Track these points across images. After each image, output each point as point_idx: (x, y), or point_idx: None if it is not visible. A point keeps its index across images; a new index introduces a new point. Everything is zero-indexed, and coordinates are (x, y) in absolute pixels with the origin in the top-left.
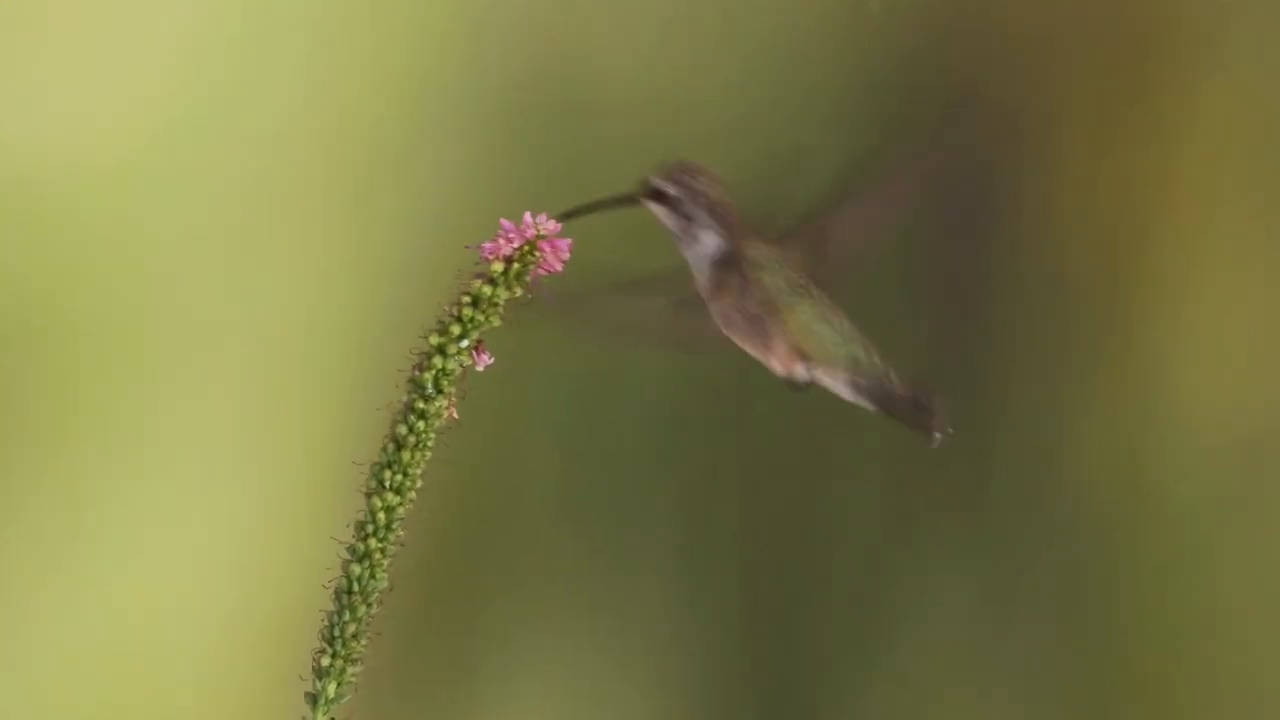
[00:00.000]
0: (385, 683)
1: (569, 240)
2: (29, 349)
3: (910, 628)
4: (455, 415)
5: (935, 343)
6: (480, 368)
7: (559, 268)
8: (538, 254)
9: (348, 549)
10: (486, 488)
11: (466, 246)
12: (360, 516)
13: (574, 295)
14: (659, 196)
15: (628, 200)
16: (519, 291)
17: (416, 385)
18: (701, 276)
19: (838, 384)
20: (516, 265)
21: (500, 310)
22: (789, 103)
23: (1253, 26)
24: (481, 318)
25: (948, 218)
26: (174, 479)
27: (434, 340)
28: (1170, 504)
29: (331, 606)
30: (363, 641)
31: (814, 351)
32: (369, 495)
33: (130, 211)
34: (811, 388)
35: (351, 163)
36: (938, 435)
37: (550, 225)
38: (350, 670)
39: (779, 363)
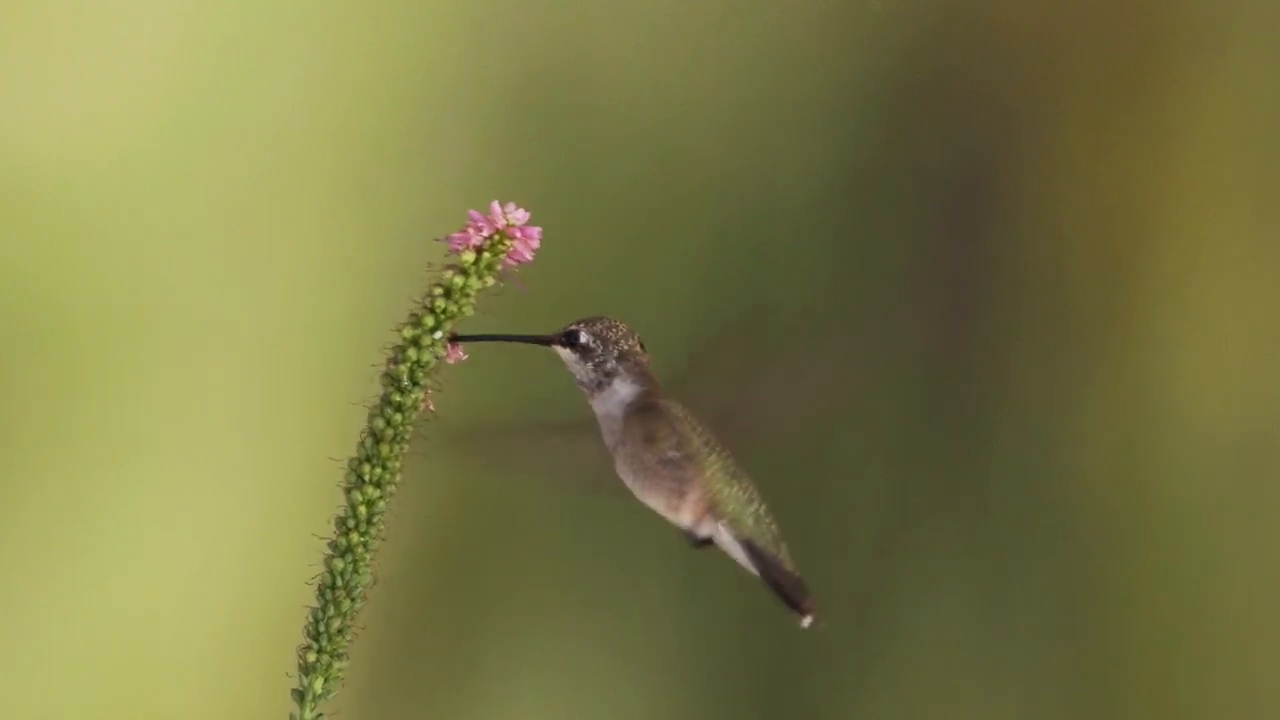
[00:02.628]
0: (385, 683)
1: (539, 229)
2: (29, 349)
3: (910, 627)
4: (432, 408)
5: (935, 342)
6: (452, 360)
7: (529, 256)
8: (508, 243)
9: (330, 544)
10: (487, 487)
11: (436, 238)
12: (342, 512)
13: (482, 432)
14: (573, 344)
15: (540, 341)
16: (490, 281)
17: (392, 379)
18: (611, 423)
19: (736, 543)
20: (487, 255)
21: (473, 300)
22: (789, 103)
23: (1253, 26)
24: (454, 308)
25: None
26: (174, 478)
27: (407, 333)
28: (1170, 503)
29: (316, 603)
30: (348, 636)
31: (724, 507)
32: (348, 490)
33: (130, 211)
34: (707, 546)
35: (351, 162)
36: (809, 620)
37: (519, 214)
38: (337, 665)
39: (688, 512)
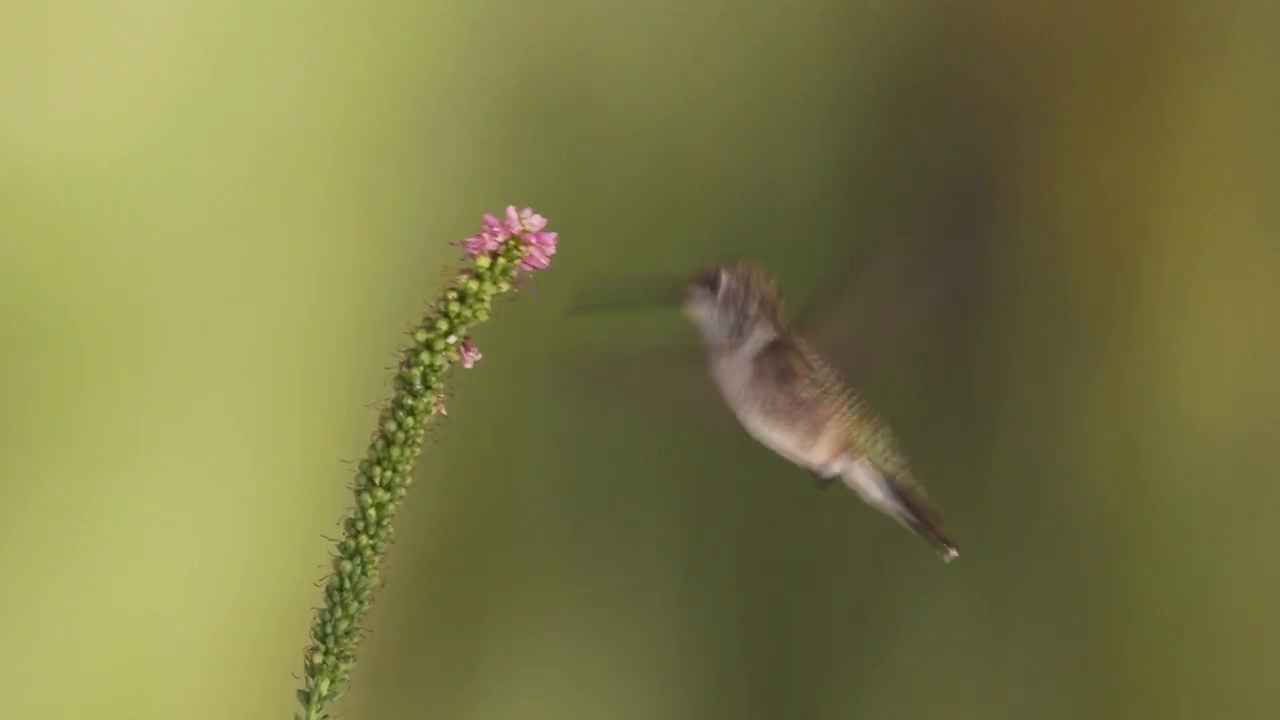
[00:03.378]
0: (386, 682)
1: (555, 235)
2: (29, 349)
3: (910, 627)
4: (444, 412)
5: (935, 343)
6: (468, 364)
7: (545, 262)
8: (523, 248)
9: (339, 546)
10: (487, 488)
11: (451, 243)
12: (351, 514)
13: (609, 357)
14: (714, 286)
15: (676, 294)
16: (505, 287)
17: (405, 382)
18: (739, 371)
19: (873, 482)
20: (502, 260)
21: (487, 305)
22: (788, 102)
23: (1253, 26)
24: (468, 313)
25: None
26: (174, 478)
27: (421, 337)
28: (1170, 503)
29: (324, 604)
30: (355, 639)
31: (859, 442)
32: (359, 492)
33: (130, 211)
34: (834, 485)
35: (352, 162)
36: (953, 550)
37: (536, 220)
38: (343, 667)
39: (824, 449)
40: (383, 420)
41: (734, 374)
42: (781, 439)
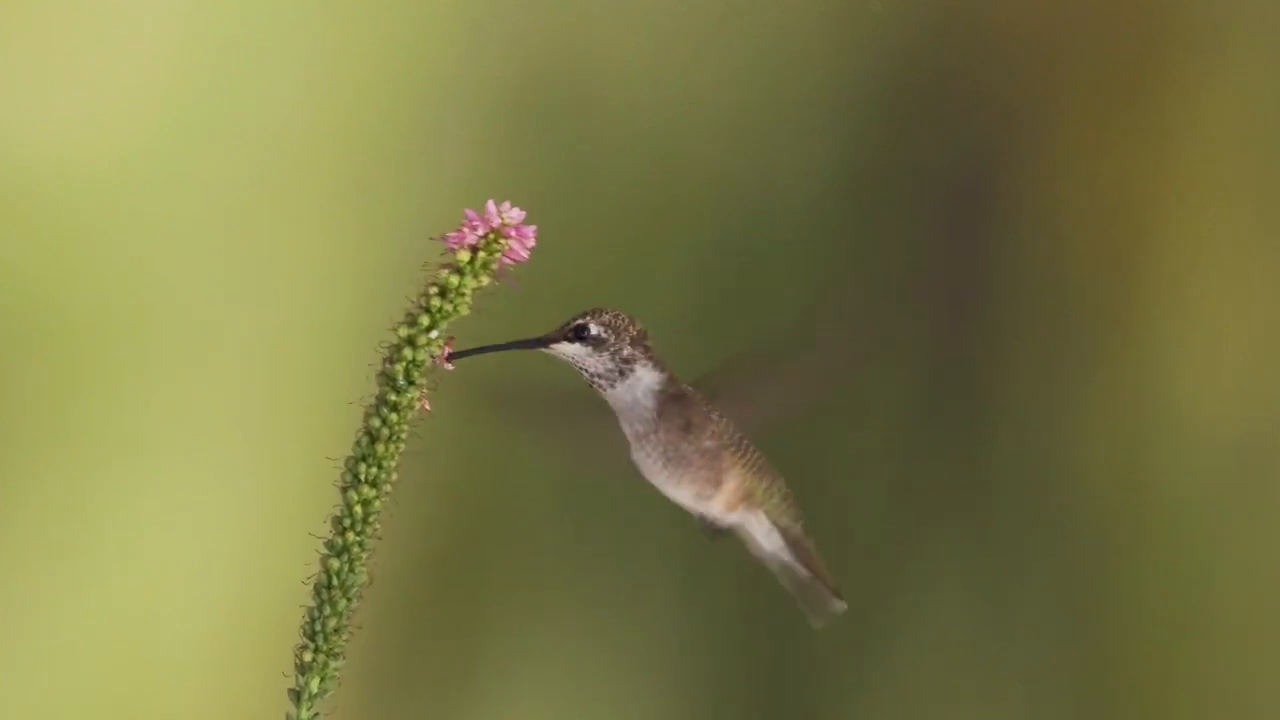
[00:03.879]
0: (385, 682)
1: (534, 228)
2: (29, 349)
3: (910, 627)
4: (428, 407)
5: (936, 343)
6: (450, 367)
7: (525, 255)
8: (503, 242)
9: (326, 544)
10: (487, 487)
11: (431, 238)
12: (338, 511)
13: (511, 393)
14: (583, 337)
15: (539, 344)
16: (486, 280)
17: (388, 378)
18: (640, 411)
19: (770, 533)
20: (482, 254)
21: (468, 299)
22: (789, 103)
23: (1253, 26)
24: (449, 308)
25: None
26: (174, 478)
27: (403, 332)
28: (1170, 503)
29: (312, 602)
30: (344, 636)
31: (757, 495)
32: (345, 489)
33: (130, 211)
34: (726, 536)
35: (351, 162)
36: (841, 603)
37: (515, 213)
38: (333, 665)
39: (722, 501)
40: (367, 416)
41: (630, 417)
42: (680, 488)
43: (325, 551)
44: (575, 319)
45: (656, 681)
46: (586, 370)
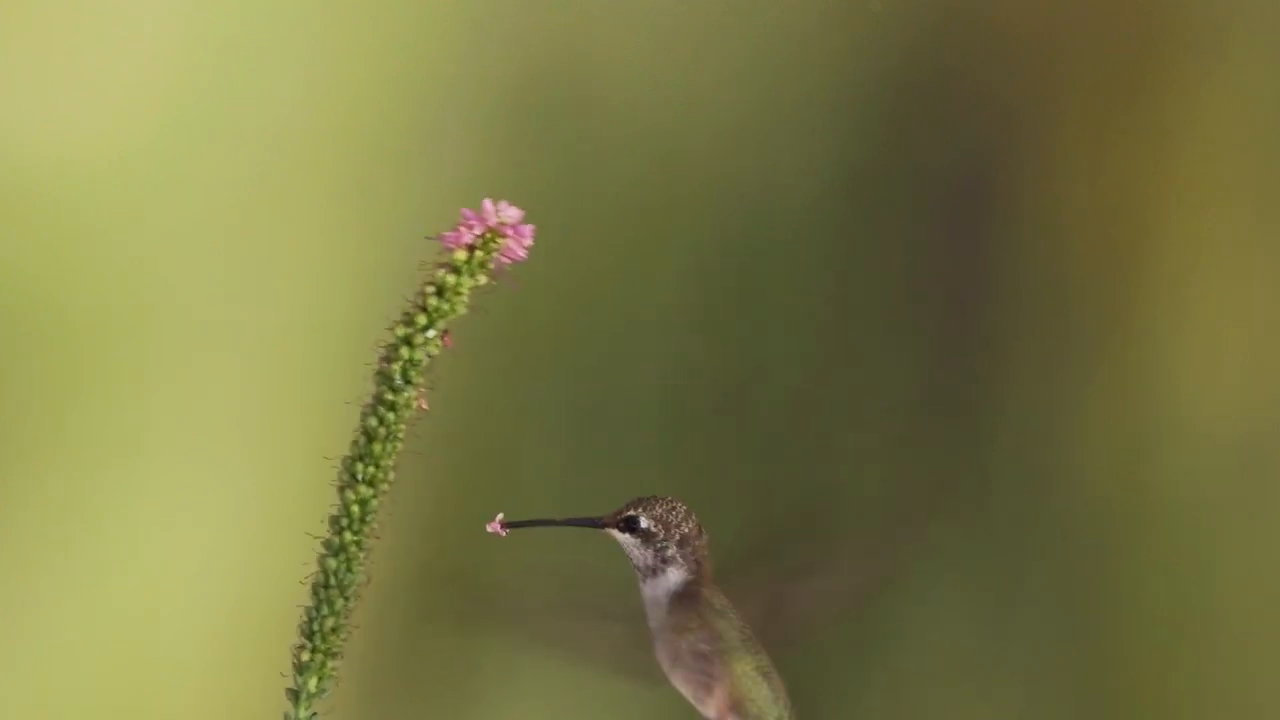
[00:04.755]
0: (384, 682)
1: (532, 226)
2: (29, 349)
3: (910, 627)
4: (425, 406)
5: (936, 343)
6: (502, 532)
7: (522, 254)
8: (500, 241)
9: (323, 543)
10: (487, 487)
11: (428, 237)
12: (336, 511)
13: (529, 610)
14: (634, 529)
15: (595, 525)
16: (483, 279)
17: (384, 377)
18: (658, 609)
19: None
20: (480, 253)
21: (465, 298)
22: (788, 102)
23: (1253, 26)
24: (446, 307)
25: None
26: (174, 479)
27: (400, 331)
28: (1170, 503)
29: (310, 602)
30: (342, 635)
31: (749, 706)
32: (342, 489)
33: (130, 211)
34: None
35: (352, 162)
36: None
37: (511, 212)
38: (330, 664)
39: (713, 706)
40: (364, 416)
41: (652, 612)
42: (681, 687)
43: (323, 551)
44: (629, 506)
45: (656, 681)
46: (633, 560)
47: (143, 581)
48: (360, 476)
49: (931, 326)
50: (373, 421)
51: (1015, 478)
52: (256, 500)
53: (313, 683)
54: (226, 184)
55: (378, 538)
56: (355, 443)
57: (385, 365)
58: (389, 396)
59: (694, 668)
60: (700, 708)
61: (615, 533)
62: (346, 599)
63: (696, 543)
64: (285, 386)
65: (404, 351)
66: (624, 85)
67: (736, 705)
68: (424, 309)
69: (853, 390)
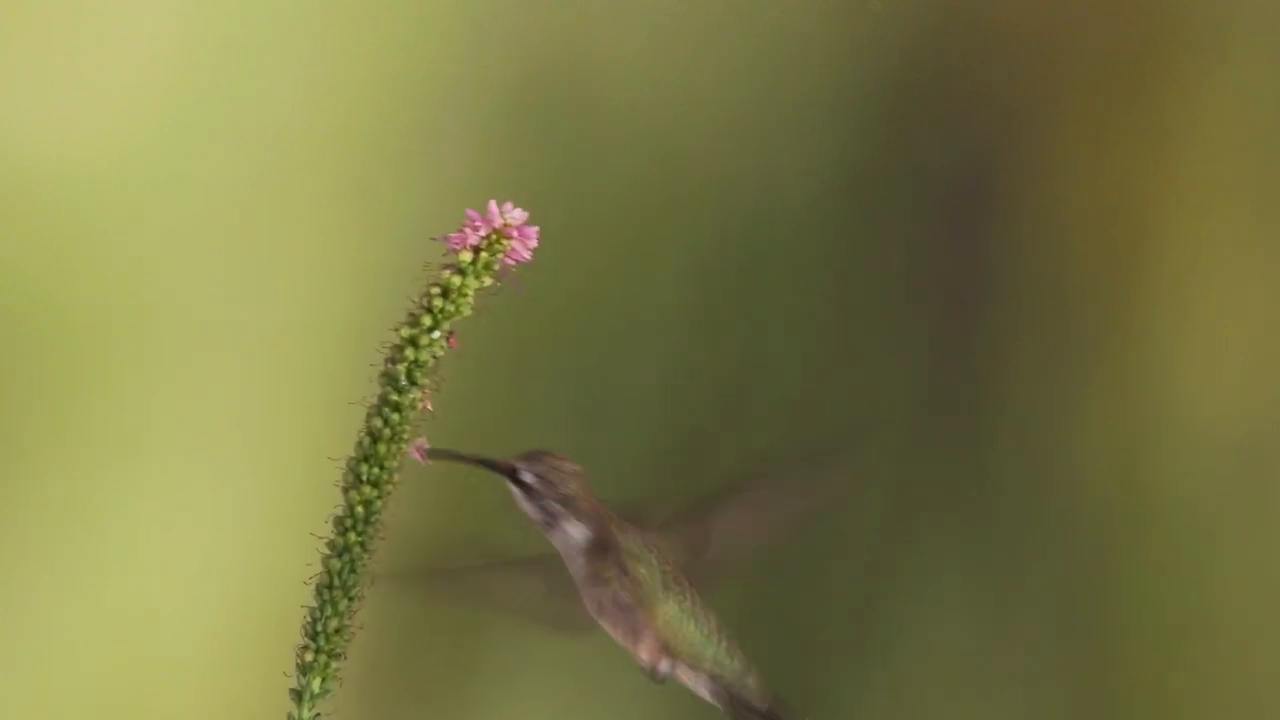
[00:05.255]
0: (385, 682)
1: (536, 228)
2: (29, 349)
3: (910, 627)
4: (429, 407)
5: (936, 343)
6: (421, 459)
7: (527, 256)
8: (505, 243)
9: (327, 544)
10: (487, 487)
11: (433, 238)
12: (340, 511)
13: (445, 571)
14: (516, 481)
15: (499, 469)
16: (488, 281)
17: (389, 378)
18: (574, 562)
19: (698, 683)
20: (485, 254)
21: (470, 300)
22: (788, 102)
23: (1253, 26)
24: (451, 308)
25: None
26: (174, 479)
27: (405, 333)
28: (1170, 503)
29: (313, 602)
30: (346, 636)
31: (679, 648)
32: (346, 490)
33: (130, 211)
34: (670, 681)
35: (352, 162)
36: None
37: (517, 214)
38: (334, 665)
39: (645, 653)
40: (369, 417)
41: (570, 565)
42: (614, 636)
43: (327, 552)
44: (519, 457)
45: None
46: (524, 511)
47: (143, 581)
48: (365, 477)
49: (931, 326)
50: (377, 422)
51: (1015, 478)
52: (256, 500)
53: (316, 683)
54: (226, 184)
55: (382, 538)
56: (360, 443)
57: (390, 366)
58: (394, 397)
59: (618, 617)
60: (633, 655)
61: (506, 481)
62: (350, 600)
63: (582, 502)
64: (285, 386)
65: (409, 352)
66: (624, 85)
67: (667, 649)
68: (429, 310)
69: (853, 390)
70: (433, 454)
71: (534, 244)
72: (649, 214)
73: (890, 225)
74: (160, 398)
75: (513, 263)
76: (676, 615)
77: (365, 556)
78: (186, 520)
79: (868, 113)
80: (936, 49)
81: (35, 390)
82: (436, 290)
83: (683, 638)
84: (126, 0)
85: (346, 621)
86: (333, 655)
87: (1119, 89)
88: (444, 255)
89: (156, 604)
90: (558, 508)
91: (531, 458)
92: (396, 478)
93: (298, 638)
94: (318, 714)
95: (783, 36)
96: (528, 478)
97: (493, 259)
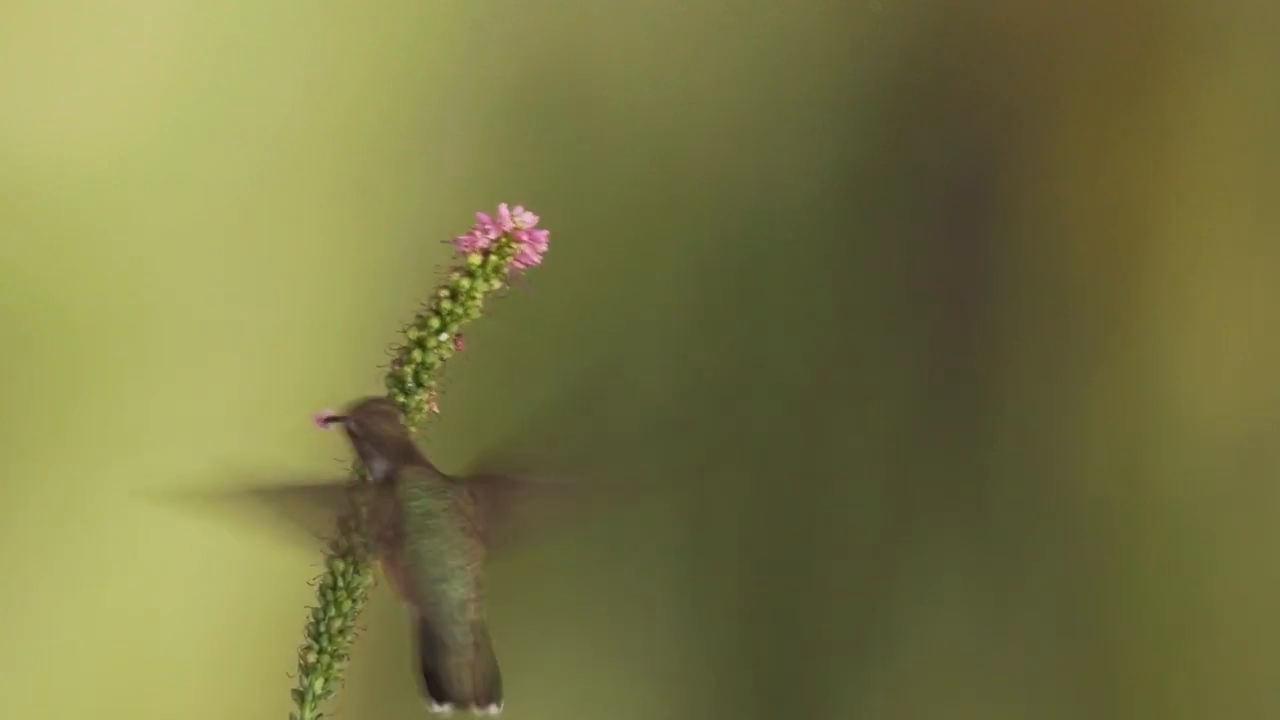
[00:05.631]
0: (385, 683)
1: (546, 232)
2: (29, 349)
3: (910, 627)
4: (436, 409)
5: (936, 343)
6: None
7: (537, 260)
8: (515, 246)
9: (331, 544)
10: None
11: (443, 240)
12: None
13: (256, 490)
14: (348, 432)
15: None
16: (497, 284)
17: (397, 380)
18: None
19: (429, 626)
20: (494, 258)
21: (479, 303)
22: (788, 102)
23: (1253, 26)
24: (460, 310)
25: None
26: (174, 479)
27: (412, 334)
28: (1170, 503)
29: (317, 603)
30: (349, 637)
31: (424, 594)
32: (351, 490)
33: (130, 211)
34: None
35: (351, 162)
36: (431, 704)
37: (527, 218)
38: (337, 666)
39: (395, 589)
40: None
41: None
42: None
43: (330, 552)
44: (344, 406)
45: (656, 681)
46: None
47: (143, 581)
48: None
49: (931, 326)
50: None
51: (1015, 478)
52: None
53: (319, 684)
54: (226, 184)
55: None
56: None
57: (397, 368)
58: (400, 399)
59: (379, 551)
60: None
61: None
62: (354, 601)
63: (391, 443)
64: (285, 386)
65: (416, 354)
66: (624, 85)
67: (410, 591)
68: (437, 312)
69: (853, 390)
70: (328, 421)
71: (544, 248)
72: (649, 214)
73: (890, 225)
74: (160, 398)
75: (522, 266)
76: (428, 561)
77: (369, 557)
78: (186, 520)
79: (868, 113)
80: (936, 49)
81: (35, 390)
82: (445, 292)
83: (428, 586)
84: (126, 0)
85: (350, 622)
86: (336, 656)
87: (1119, 89)
88: (453, 258)
89: (156, 604)
90: (368, 447)
91: (357, 406)
92: None
93: (298, 638)
94: (320, 715)
95: (783, 36)
96: (351, 425)
97: (502, 262)
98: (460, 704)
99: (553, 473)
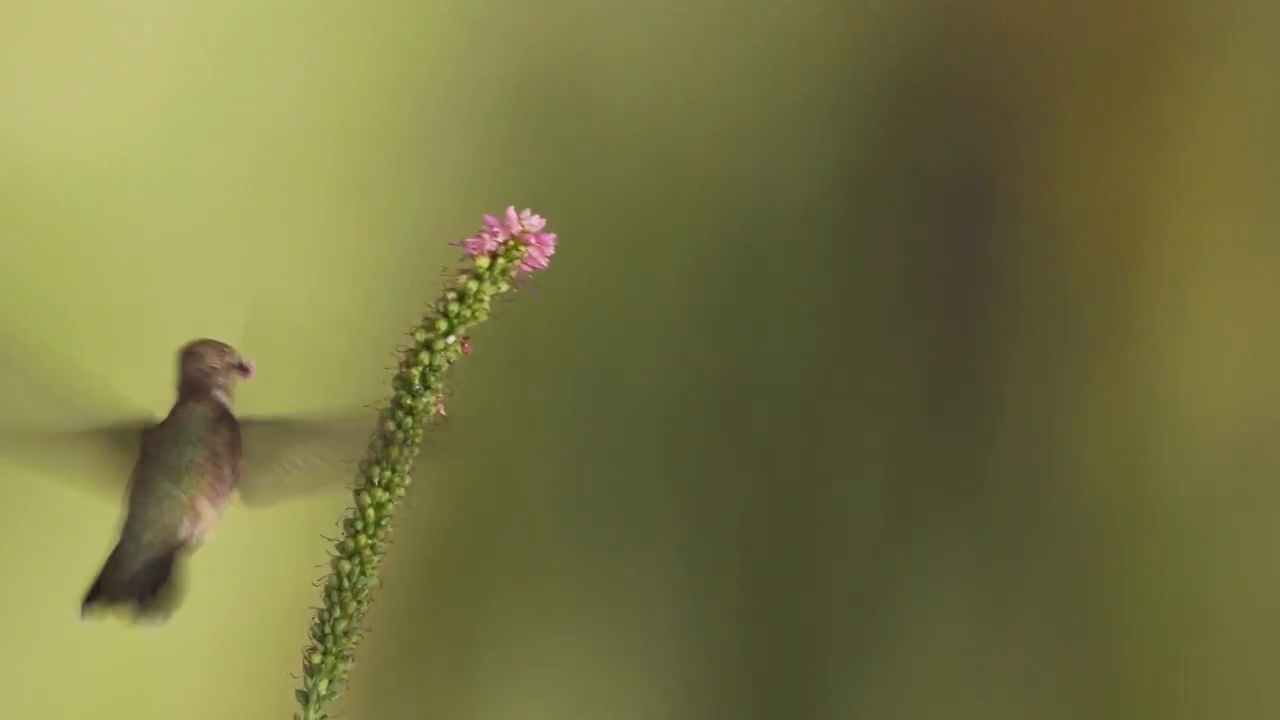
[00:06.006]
0: (385, 683)
1: (554, 235)
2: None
3: (910, 627)
4: (443, 412)
5: (936, 343)
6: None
7: (544, 263)
8: (523, 249)
9: (337, 546)
10: (487, 487)
11: (450, 243)
12: (350, 514)
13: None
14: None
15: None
16: (504, 287)
17: (404, 382)
18: None
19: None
20: (502, 260)
21: (486, 305)
22: (788, 102)
23: (1253, 26)
24: (468, 313)
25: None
26: None
27: (420, 337)
28: (1170, 503)
29: (322, 604)
30: (354, 638)
31: (125, 501)
32: (358, 492)
33: (130, 211)
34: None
35: (351, 162)
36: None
37: (535, 221)
38: (341, 667)
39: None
40: (382, 420)
41: None
42: None
43: (336, 554)
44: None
45: (656, 681)
46: None
47: None
48: (376, 480)
49: (931, 326)
50: (390, 426)
51: (1015, 478)
52: None
53: (323, 685)
54: (226, 184)
55: (391, 541)
56: (372, 446)
57: (404, 370)
58: (407, 401)
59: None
60: None
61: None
62: (360, 603)
63: (185, 381)
64: (285, 386)
65: (424, 357)
66: (624, 85)
67: (122, 501)
68: (445, 314)
69: (853, 390)
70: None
71: (551, 251)
72: (649, 214)
73: (890, 225)
74: (160, 398)
75: (529, 269)
76: (141, 474)
77: (375, 559)
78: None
79: (868, 113)
80: (936, 49)
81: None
82: (453, 295)
83: (128, 494)
84: (126, 0)
85: (355, 624)
86: (340, 657)
87: (1119, 89)
88: (458, 259)
89: None
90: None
91: (189, 344)
92: (409, 481)
93: (298, 637)
94: (324, 716)
95: (783, 36)
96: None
97: (510, 265)
98: (106, 594)
99: (326, 423)
